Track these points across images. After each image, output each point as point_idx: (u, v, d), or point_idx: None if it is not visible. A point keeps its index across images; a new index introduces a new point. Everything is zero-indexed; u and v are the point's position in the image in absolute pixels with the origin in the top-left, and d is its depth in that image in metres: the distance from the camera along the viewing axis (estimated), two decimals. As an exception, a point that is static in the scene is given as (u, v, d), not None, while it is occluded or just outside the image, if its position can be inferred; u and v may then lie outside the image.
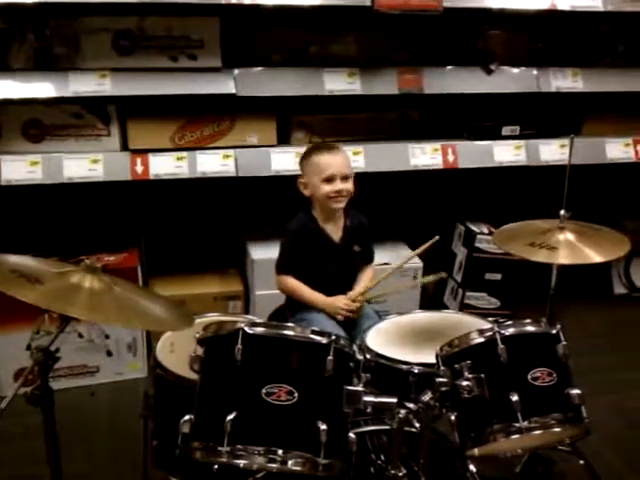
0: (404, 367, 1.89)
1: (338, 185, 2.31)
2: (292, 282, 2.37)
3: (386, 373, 1.91)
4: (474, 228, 3.40)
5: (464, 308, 3.38)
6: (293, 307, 2.41)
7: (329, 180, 2.31)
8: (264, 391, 1.48)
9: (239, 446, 1.46)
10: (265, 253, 3.10)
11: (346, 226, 2.41)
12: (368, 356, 1.91)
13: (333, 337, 1.56)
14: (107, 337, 2.91)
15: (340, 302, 2.31)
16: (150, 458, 2.02)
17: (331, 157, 2.33)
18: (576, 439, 1.81)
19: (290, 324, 1.60)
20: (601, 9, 3.06)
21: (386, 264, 3.15)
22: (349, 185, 2.33)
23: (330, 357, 1.53)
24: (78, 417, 2.64)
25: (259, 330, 1.54)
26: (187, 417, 1.55)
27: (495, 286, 3.41)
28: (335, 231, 2.40)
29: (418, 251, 2.41)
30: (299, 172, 2.46)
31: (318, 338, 1.56)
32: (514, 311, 3.39)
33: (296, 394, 1.49)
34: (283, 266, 2.39)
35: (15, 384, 1.62)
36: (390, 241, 3.33)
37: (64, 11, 2.66)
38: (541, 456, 2.24)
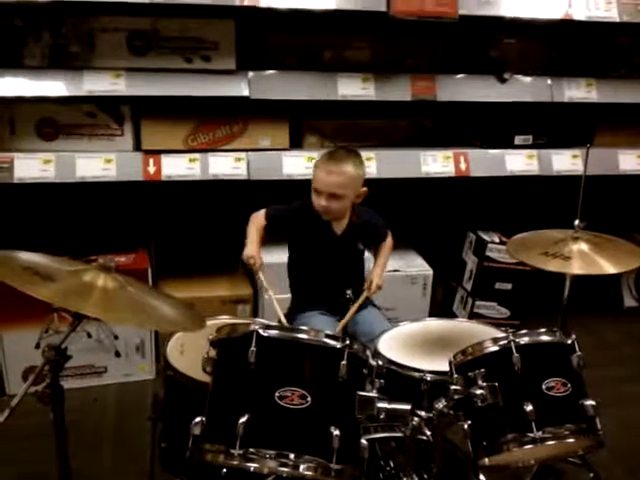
0: (416, 374, 1.87)
1: (322, 201, 2.28)
2: (258, 219, 2.44)
3: (398, 380, 1.89)
4: (485, 237, 3.38)
5: (473, 317, 3.37)
6: (296, 309, 2.44)
7: (317, 192, 2.30)
8: (277, 394, 1.47)
9: (251, 449, 1.44)
10: (274, 257, 3.08)
11: (351, 222, 2.40)
12: (380, 362, 1.90)
13: (347, 342, 1.55)
14: (116, 338, 2.90)
15: (248, 252, 2.35)
16: (158, 460, 2.01)
17: (324, 173, 2.27)
18: (589, 451, 1.78)
19: (304, 327, 1.59)
20: (617, 20, 3.05)
21: (396, 271, 3.15)
22: (338, 204, 2.29)
23: (344, 362, 1.52)
24: (85, 418, 2.63)
25: (273, 333, 1.53)
26: (198, 419, 1.53)
27: (505, 296, 3.39)
28: (337, 224, 2.39)
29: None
30: (311, 177, 2.46)
31: (332, 342, 1.54)
32: (524, 321, 3.36)
33: (309, 398, 1.47)
34: (271, 210, 2.45)
35: (25, 383, 1.61)
36: (401, 248, 3.31)
37: (79, 10, 2.66)
38: (551, 468, 2.22)
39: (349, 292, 2.36)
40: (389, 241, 2.55)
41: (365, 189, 2.35)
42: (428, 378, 1.85)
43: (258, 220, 2.45)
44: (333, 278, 2.38)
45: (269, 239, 3.20)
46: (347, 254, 2.41)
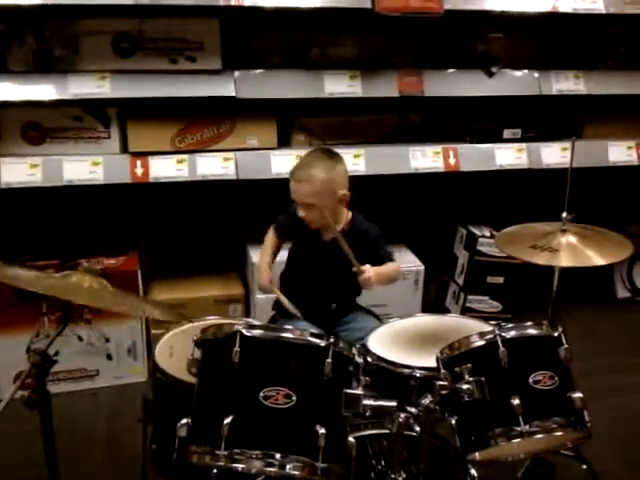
0: (406, 371, 1.86)
1: (300, 211, 2.22)
2: (268, 237, 2.48)
3: (387, 377, 1.89)
4: (476, 231, 3.38)
5: (466, 312, 3.37)
6: (280, 317, 2.40)
7: (294, 201, 2.25)
8: (262, 394, 1.46)
9: (236, 450, 1.44)
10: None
11: (343, 230, 2.26)
12: (369, 359, 1.89)
13: (332, 340, 1.55)
14: (107, 340, 2.90)
15: (260, 283, 2.38)
16: (149, 463, 2.01)
17: (294, 183, 2.21)
18: (578, 443, 1.78)
19: (288, 326, 1.59)
20: (603, 11, 3.05)
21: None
22: (313, 215, 2.20)
23: (329, 360, 1.51)
24: (77, 421, 2.63)
25: (257, 332, 1.53)
26: (184, 421, 1.53)
27: (497, 289, 3.39)
28: (327, 231, 2.28)
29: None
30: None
31: (316, 341, 1.54)
32: (516, 315, 3.37)
33: (294, 397, 1.47)
34: (276, 222, 2.47)
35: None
36: (391, 245, 3.30)
37: (63, 13, 2.66)
38: (543, 460, 2.22)
39: (334, 305, 2.34)
40: (394, 265, 2.35)
41: (344, 192, 2.23)
42: (417, 374, 1.84)
43: (269, 237, 2.47)
44: (319, 287, 2.32)
45: (261, 238, 3.19)
46: (334, 263, 2.25)
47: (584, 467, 2.25)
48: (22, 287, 1.54)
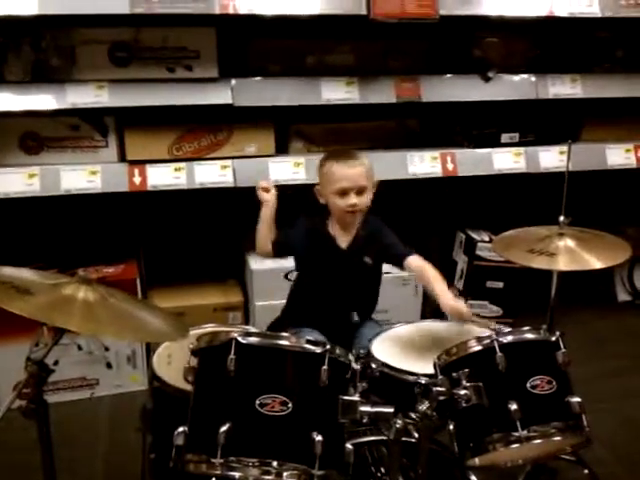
0: (410, 378, 1.83)
1: (352, 199, 2.18)
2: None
3: (393, 383, 1.87)
4: (475, 236, 3.38)
5: (465, 317, 3.35)
6: (289, 320, 2.38)
7: (343, 193, 2.19)
8: (258, 402, 1.46)
9: (232, 458, 1.44)
10: (265, 264, 3.09)
11: (357, 234, 2.28)
12: (374, 365, 1.88)
13: (328, 347, 1.54)
14: (107, 349, 2.90)
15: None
16: (148, 472, 2.00)
17: (347, 169, 2.18)
18: (577, 448, 1.78)
19: (284, 334, 1.58)
20: (599, 15, 3.05)
21: (386, 273, 3.13)
22: (365, 198, 2.21)
23: (325, 367, 1.51)
24: (77, 430, 2.62)
25: (252, 340, 1.52)
26: (181, 429, 1.53)
27: (497, 294, 3.39)
28: (344, 239, 2.29)
29: None
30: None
31: (312, 348, 1.53)
32: (517, 319, 3.36)
33: (290, 405, 1.47)
34: (276, 241, 2.34)
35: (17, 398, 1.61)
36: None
37: (60, 23, 2.67)
38: (544, 466, 2.21)
39: (355, 315, 2.30)
40: (418, 260, 2.29)
41: (377, 179, 2.29)
42: (422, 381, 1.82)
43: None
44: (337, 296, 2.27)
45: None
46: (353, 269, 2.27)
47: (585, 471, 2.24)
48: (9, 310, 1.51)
